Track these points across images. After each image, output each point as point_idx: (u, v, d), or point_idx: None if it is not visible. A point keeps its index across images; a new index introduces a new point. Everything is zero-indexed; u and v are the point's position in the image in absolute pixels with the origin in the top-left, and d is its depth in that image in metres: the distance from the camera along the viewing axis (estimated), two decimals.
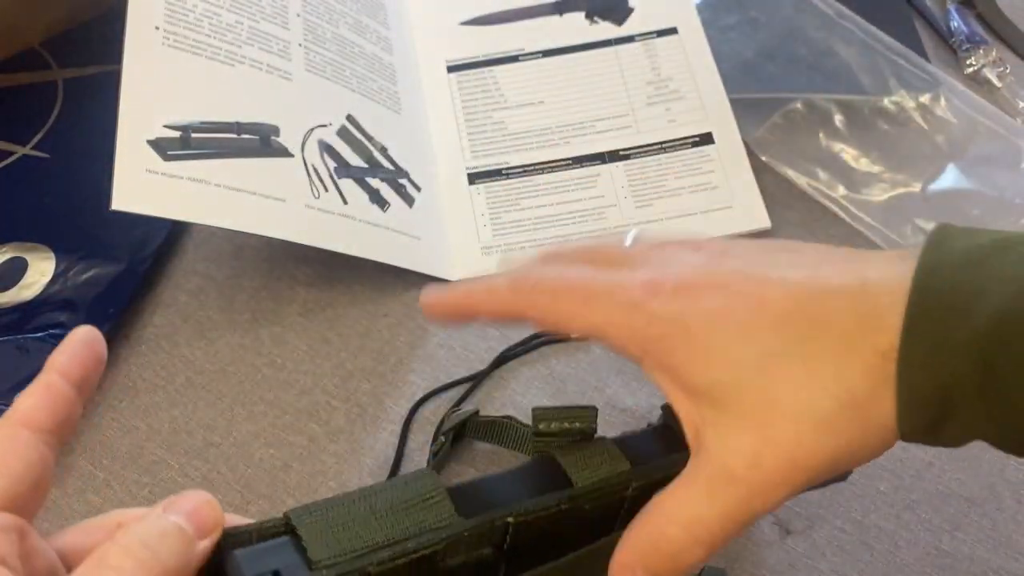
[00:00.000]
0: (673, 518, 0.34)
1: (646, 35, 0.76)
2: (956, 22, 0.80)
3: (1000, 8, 0.81)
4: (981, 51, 0.78)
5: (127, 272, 0.63)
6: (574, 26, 0.77)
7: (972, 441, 0.32)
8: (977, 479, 0.58)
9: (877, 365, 0.32)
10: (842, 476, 0.47)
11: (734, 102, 0.72)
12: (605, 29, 0.77)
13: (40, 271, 0.63)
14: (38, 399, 0.32)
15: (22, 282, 0.62)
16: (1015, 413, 0.30)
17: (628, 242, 0.41)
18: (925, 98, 0.74)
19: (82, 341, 0.33)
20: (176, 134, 0.57)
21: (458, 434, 0.58)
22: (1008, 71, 0.77)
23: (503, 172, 0.70)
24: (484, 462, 0.59)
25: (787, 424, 0.33)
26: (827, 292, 0.33)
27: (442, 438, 0.55)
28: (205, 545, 0.30)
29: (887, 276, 0.32)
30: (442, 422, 0.58)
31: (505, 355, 0.62)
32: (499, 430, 0.57)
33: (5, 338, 0.60)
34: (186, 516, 0.30)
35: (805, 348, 0.33)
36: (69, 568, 0.32)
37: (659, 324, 0.35)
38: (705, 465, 0.34)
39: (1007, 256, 0.31)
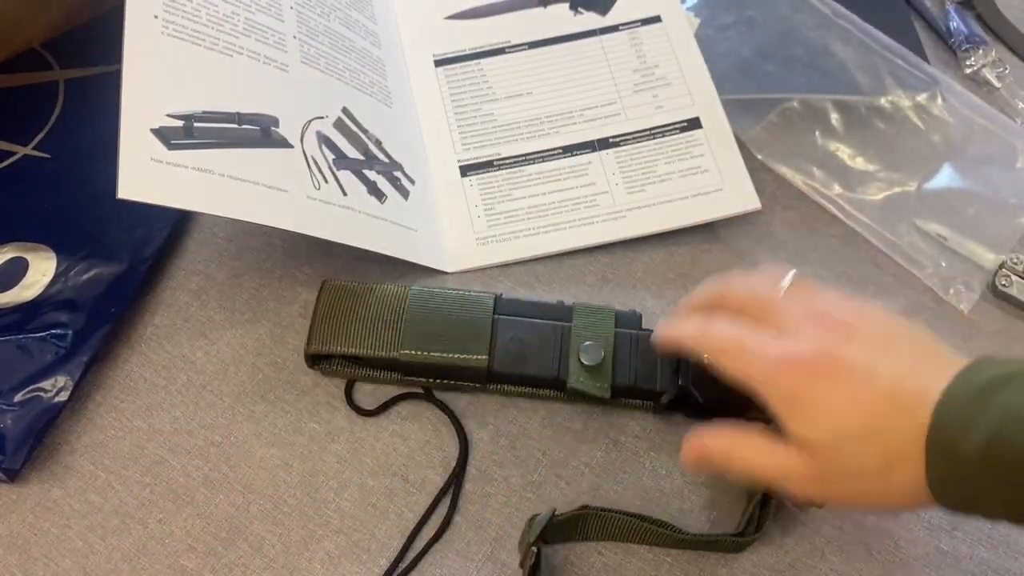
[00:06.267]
0: (753, 448, 0.49)
1: (631, 24, 0.77)
2: (955, 22, 0.80)
3: (999, 8, 0.81)
4: (980, 51, 0.78)
5: (128, 272, 0.63)
6: (559, 17, 0.77)
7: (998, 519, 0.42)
8: None
9: (913, 471, 0.43)
10: None
11: (731, 101, 0.73)
12: (590, 19, 0.77)
13: (41, 271, 0.63)
14: None
15: (23, 282, 0.62)
16: (1011, 504, 0.41)
17: (784, 284, 0.51)
18: (922, 97, 0.74)
19: None
20: (179, 123, 0.57)
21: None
22: (1007, 71, 0.78)
23: (494, 163, 0.71)
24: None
25: (839, 480, 0.46)
26: (895, 402, 0.44)
27: (534, 549, 0.52)
28: None
29: (935, 391, 0.43)
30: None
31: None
32: (582, 524, 0.56)
33: (6, 338, 0.60)
34: None
35: (869, 440, 0.44)
36: None
37: (782, 391, 0.47)
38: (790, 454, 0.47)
39: (1006, 390, 0.41)
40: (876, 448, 0.44)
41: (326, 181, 0.63)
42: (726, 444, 0.50)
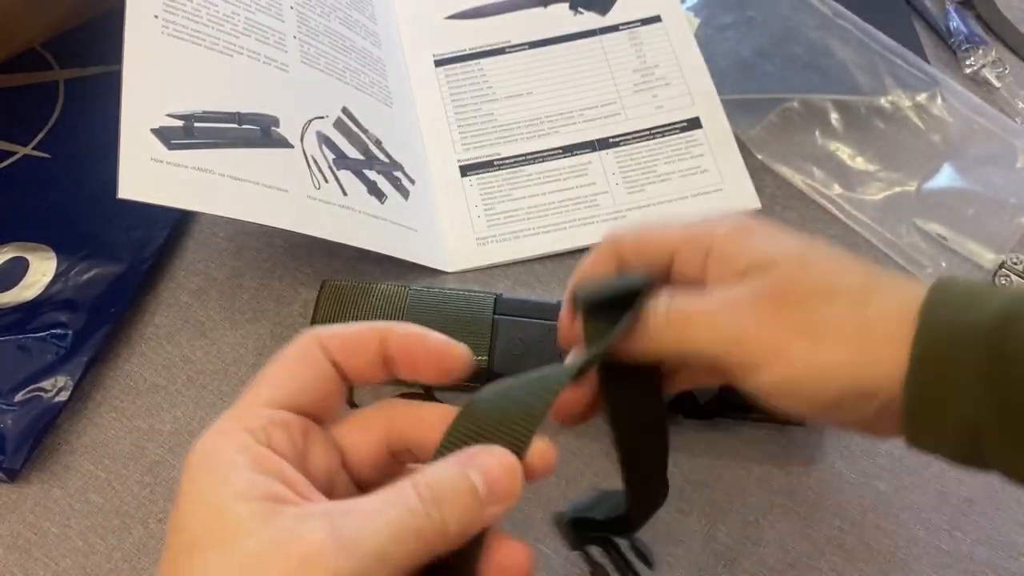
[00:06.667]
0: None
1: (630, 24, 0.77)
2: (955, 22, 0.80)
3: (999, 8, 0.81)
4: (980, 51, 0.78)
5: (128, 272, 0.63)
6: (559, 17, 0.78)
7: (964, 439, 0.35)
8: (977, 479, 0.58)
9: (896, 301, 0.36)
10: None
11: (731, 101, 0.73)
12: (590, 19, 0.77)
13: (41, 271, 0.63)
14: (345, 335, 0.35)
15: (23, 282, 0.62)
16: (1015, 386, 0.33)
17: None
18: (922, 97, 0.74)
19: (438, 349, 0.35)
20: (179, 123, 0.57)
21: None
22: (1007, 71, 0.78)
23: (495, 163, 0.71)
24: None
25: (804, 301, 0.37)
26: (875, 271, 0.38)
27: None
28: (495, 511, 0.31)
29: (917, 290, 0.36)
30: None
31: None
32: None
33: (6, 338, 0.60)
34: (485, 480, 0.31)
35: (845, 262, 0.38)
36: (349, 464, 0.36)
37: (729, 226, 0.40)
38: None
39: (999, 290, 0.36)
40: (853, 268, 0.38)
41: (326, 181, 0.63)
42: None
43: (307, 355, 0.34)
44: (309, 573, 0.27)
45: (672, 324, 0.39)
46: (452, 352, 0.35)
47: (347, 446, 0.35)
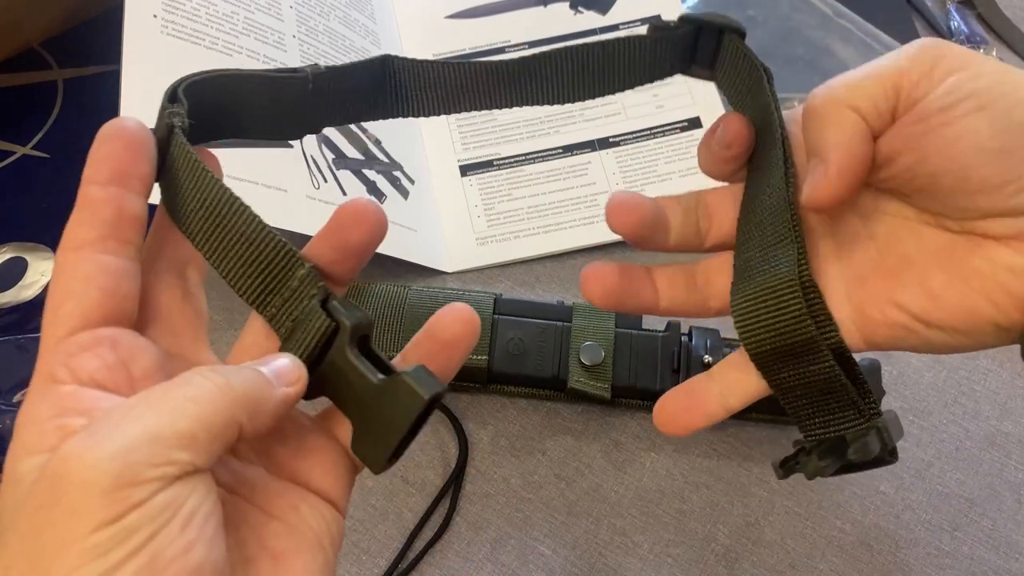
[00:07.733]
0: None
1: (630, 23, 0.77)
2: (956, 22, 0.80)
3: (1000, 8, 0.81)
4: (981, 51, 0.78)
5: None
6: (559, 17, 0.78)
7: None
8: (977, 479, 0.58)
9: None
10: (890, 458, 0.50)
11: None
12: (590, 19, 0.77)
13: (40, 271, 0.63)
14: (73, 217, 0.32)
15: (22, 282, 0.62)
16: None
17: None
18: None
19: (109, 136, 0.32)
20: None
21: None
22: None
23: (494, 163, 0.71)
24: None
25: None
26: None
27: None
28: (287, 391, 0.31)
29: None
30: None
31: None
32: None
33: (5, 338, 0.60)
34: (267, 367, 0.31)
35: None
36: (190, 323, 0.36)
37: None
38: None
39: None
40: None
41: (325, 181, 0.63)
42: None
43: (64, 267, 0.31)
44: (64, 481, 0.26)
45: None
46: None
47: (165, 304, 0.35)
